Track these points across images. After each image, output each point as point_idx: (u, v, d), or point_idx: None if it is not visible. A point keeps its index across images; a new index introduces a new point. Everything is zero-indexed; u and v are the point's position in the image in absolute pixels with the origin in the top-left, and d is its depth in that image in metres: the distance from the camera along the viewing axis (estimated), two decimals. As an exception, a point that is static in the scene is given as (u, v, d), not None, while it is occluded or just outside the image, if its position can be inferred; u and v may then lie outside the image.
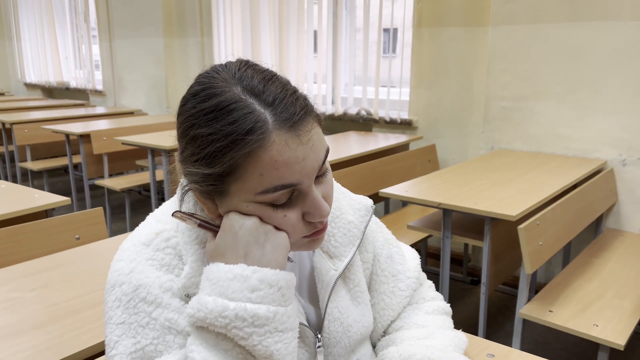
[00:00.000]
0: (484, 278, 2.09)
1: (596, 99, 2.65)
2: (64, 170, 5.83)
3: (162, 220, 0.75)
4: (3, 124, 4.61)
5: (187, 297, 0.70)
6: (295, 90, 0.67)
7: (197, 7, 4.61)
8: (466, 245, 3.20)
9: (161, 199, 3.99)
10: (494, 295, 2.99)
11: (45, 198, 1.99)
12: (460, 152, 3.26)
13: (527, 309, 1.90)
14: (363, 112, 3.67)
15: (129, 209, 4.02)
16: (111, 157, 4.02)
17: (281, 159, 0.63)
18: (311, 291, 0.83)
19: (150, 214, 0.79)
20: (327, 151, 0.69)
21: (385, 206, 3.41)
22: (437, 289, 2.10)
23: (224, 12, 4.36)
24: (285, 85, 0.67)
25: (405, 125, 3.45)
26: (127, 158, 4.16)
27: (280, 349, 0.62)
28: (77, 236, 1.83)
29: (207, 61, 4.66)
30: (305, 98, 0.68)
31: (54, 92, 6.79)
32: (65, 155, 4.68)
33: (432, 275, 3.12)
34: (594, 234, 2.75)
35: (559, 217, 2.05)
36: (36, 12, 6.53)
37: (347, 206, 0.87)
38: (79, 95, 6.32)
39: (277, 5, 3.91)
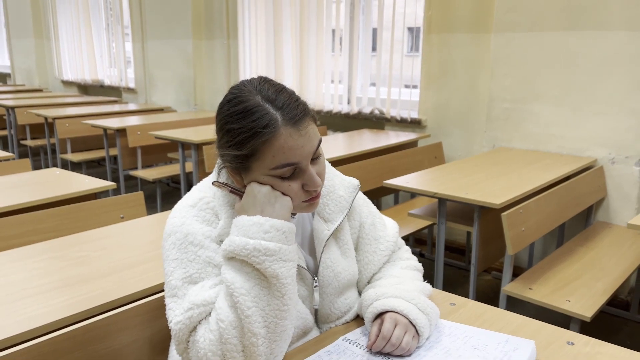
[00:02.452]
0: (473, 259, 2.35)
1: (588, 102, 2.88)
2: (97, 162, 6.23)
3: (203, 190, 1.05)
4: (46, 118, 5.00)
5: (221, 242, 0.99)
6: (298, 99, 0.96)
7: (224, 11, 4.93)
8: (468, 235, 3.46)
9: (189, 190, 4.32)
10: (492, 281, 3.24)
11: (94, 183, 2.33)
12: (465, 149, 3.52)
13: (510, 287, 2.16)
14: (376, 111, 3.94)
15: (160, 198, 4.37)
16: (144, 150, 4.38)
17: (287, 146, 0.92)
18: (311, 247, 1.13)
19: (194, 186, 1.09)
20: (320, 141, 0.98)
21: (395, 198, 3.69)
22: (433, 273, 2.46)
23: (249, 16, 4.68)
24: (291, 95, 0.96)
25: (415, 124, 3.71)
26: (158, 151, 4.51)
27: (283, 272, 0.91)
28: (121, 215, 2.16)
29: (233, 62, 4.99)
30: (304, 104, 0.97)
31: (88, 89, 7.20)
32: (101, 148, 5.06)
33: (436, 262, 3.38)
34: (584, 225, 2.99)
35: (542, 207, 2.30)
36: (73, 13, 6.94)
37: (339, 184, 1.16)
38: (112, 92, 6.72)
39: (299, 8, 4.20)
